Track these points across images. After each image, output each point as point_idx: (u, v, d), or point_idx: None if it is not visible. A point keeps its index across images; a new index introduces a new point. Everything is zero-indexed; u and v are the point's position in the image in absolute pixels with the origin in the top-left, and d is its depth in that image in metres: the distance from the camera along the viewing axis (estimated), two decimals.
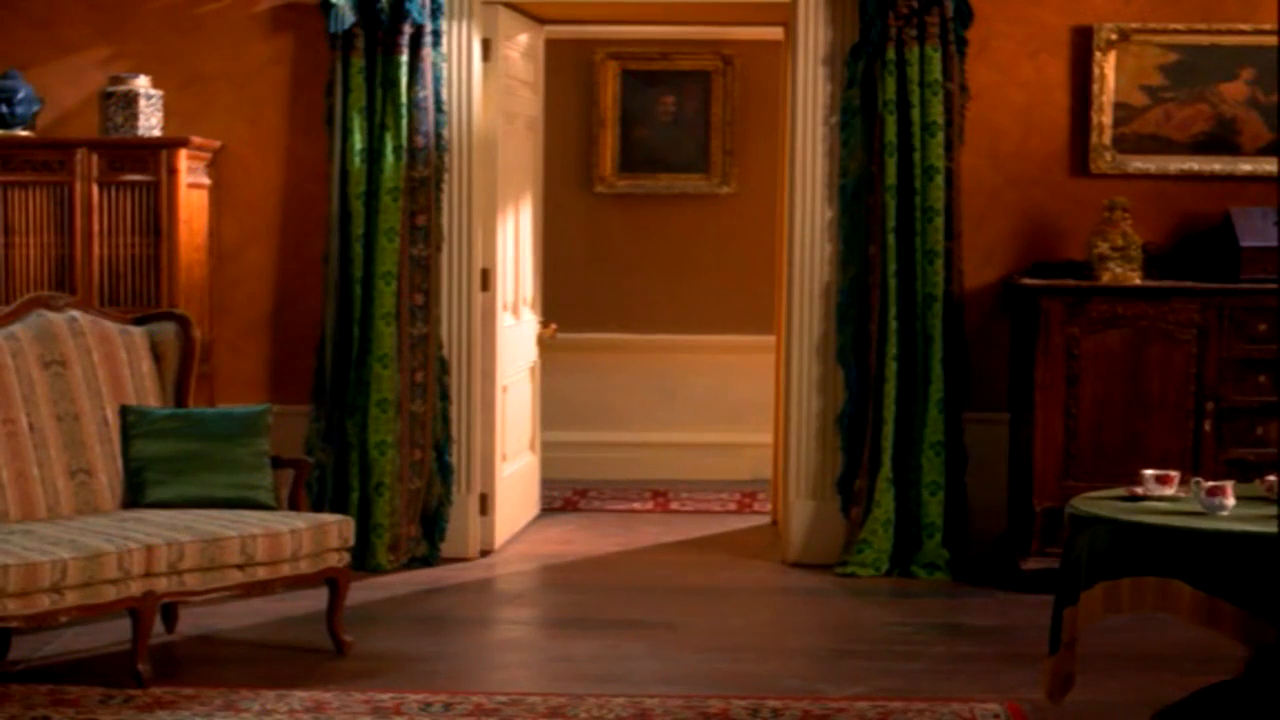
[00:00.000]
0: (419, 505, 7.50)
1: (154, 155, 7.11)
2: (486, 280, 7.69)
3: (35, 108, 7.35)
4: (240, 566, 5.75)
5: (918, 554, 7.39)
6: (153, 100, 7.25)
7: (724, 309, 9.82)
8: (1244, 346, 7.05)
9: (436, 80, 7.41)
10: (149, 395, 6.29)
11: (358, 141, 7.32)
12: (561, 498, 9.18)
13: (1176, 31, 7.47)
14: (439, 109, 7.42)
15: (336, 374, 7.42)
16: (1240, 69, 7.47)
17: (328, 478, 7.41)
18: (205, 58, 7.58)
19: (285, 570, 5.87)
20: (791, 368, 7.67)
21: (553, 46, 8.98)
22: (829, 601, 7.02)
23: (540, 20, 8.36)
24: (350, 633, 6.11)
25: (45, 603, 5.33)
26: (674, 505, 9.11)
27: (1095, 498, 5.13)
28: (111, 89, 7.22)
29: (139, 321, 6.44)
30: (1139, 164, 7.51)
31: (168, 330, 6.41)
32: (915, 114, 7.33)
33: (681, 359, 9.84)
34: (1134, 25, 7.46)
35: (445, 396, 7.52)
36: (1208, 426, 7.04)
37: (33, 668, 5.84)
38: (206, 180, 7.44)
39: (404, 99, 7.33)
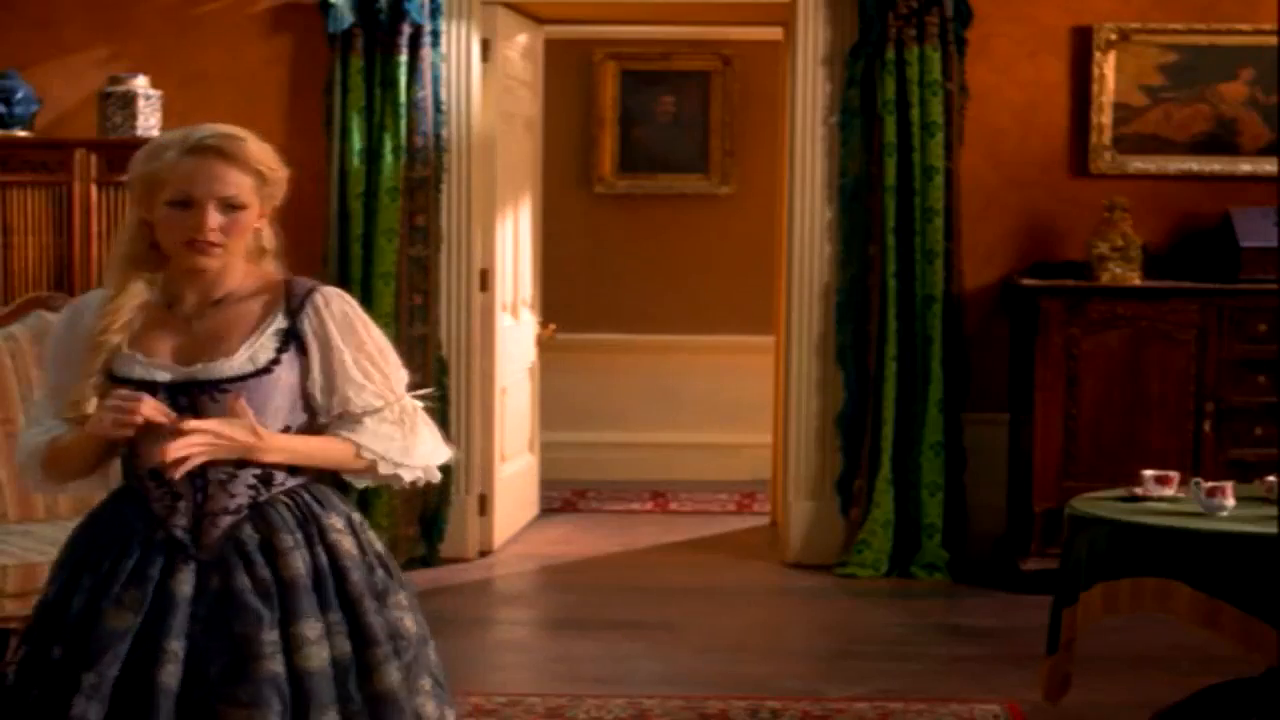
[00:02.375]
0: (418, 506, 7.49)
1: None
2: (485, 281, 7.68)
3: (34, 108, 7.34)
4: None
5: (917, 555, 7.39)
6: (151, 100, 7.24)
7: (724, 309, 9.81)
8: (1244, 347, 7.05)
9: (435, 80, 7.41)
10: None
11: (356, 142, 7.32)
12: (561, 498, 9.18)
13: (1176, 31, 7.46)
14: (438, 109, 7.42)
15: None
16: (1240, 69, 7.47)
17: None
18: (204, 58, 7.58)
19: None
20: (791, 368, 7.67)
21: (552, 47, 8.97)
22: (828, 602, 7.02)
23: (539, 20, 8.35)
24: None
25: None
26: (673, 506, 9.10)
27: (1094, 498, 5.12)
28: (110, 89, 7.22)
29: None
30: (1139, 164, 7.51)
31: None
32: (915, 114, 7.33)
33: (681, 359, 9.83)
34: (1134, 25, 7.46)
35: (444, 397, 7.51)
36: (1207, 427, 7.04)
37: None
38: None
39: (403, 99, 7.32)
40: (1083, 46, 7.50)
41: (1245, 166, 7.48)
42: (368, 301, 7.37)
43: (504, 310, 7.90)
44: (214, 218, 3.16)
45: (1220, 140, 7.50)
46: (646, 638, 6.34)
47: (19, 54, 7.51)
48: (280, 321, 3.23)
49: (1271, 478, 5.07)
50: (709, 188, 9.86)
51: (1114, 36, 7.46)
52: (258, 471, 3.23)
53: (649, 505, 9.10)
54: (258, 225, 3.31)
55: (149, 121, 7.22)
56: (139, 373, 3.19)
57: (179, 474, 3.10)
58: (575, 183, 9.83)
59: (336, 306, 3.28)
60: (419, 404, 3.36)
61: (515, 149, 8.09)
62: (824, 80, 7.52)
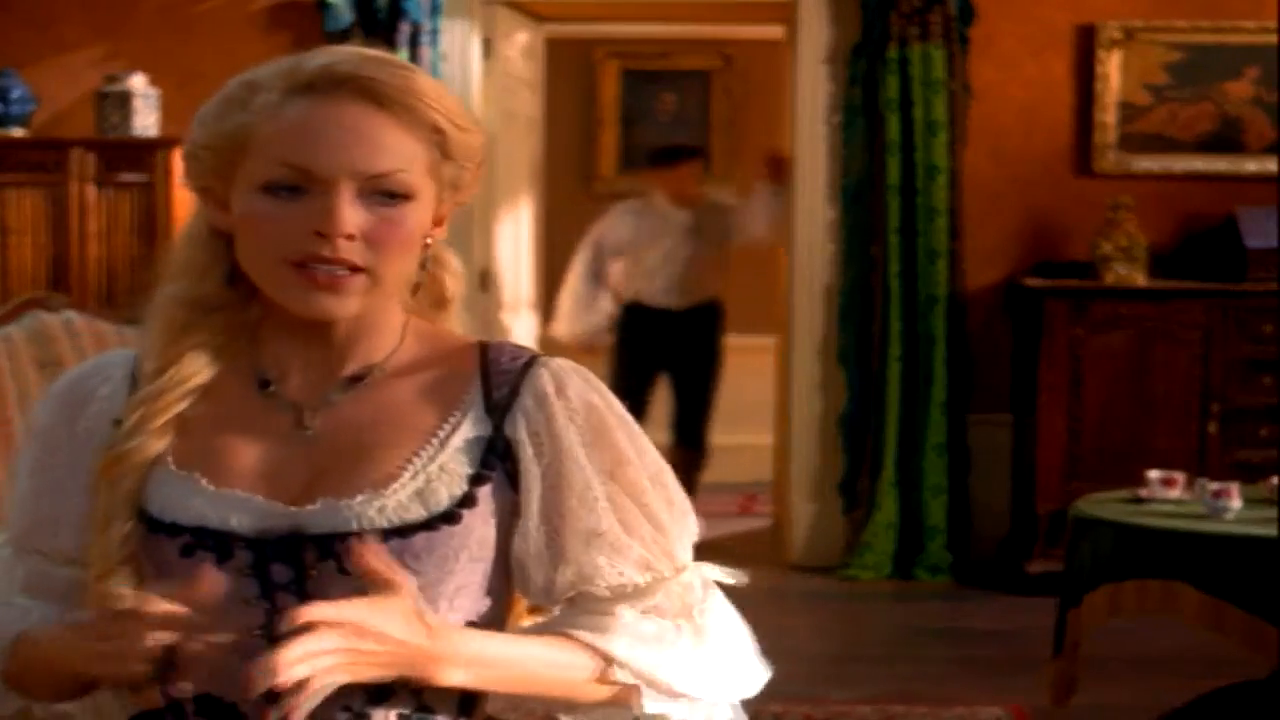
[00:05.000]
0: None
1: (150, 155, 7.07)
2: (486, 281, 7.65)
3: (30, 107, 7.31)
4: None
5: (920, 557, 7.35)
6: (149, 99, 7.21)
7: (725, 309, 9.75)
8: (1249, 347, 7.01)
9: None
10: None
11: None
12: None
13: (1181, 30, 7.43)
14: None
15: None
16: (1245, 67, 7.42)
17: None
18: (202, 56, 7.54)
19: None
20: (793, 369, 7.64)
21: (552, 46, 8.95)
22: (830, 605, 6.99)
23: (540, 19, 8.32)
24: None
25: None
26: None
27: (1099, 500, 5.09)
28: (107, 88, 7.18)
29: (135, 323, 6.38)
30: (1143, 163, 7.47)
31: None
32: (918, 113, 7.29)
33: None
34: (1138, 23, 7.42)
35: None
36: (1213, 428, 7.00)
37: None
38: None
39: None
40: (1087, 45, 7.46)
41: (1251, 165, 7.44)
42: None
43: (504, 310, 7.87)
44: (351, 212, 1.74)
45: (1226, 139, 7.46)
46: None
47: (15, 53, 7.48)
48: (475, 423, 1.81)
49: (1277, 479, 5.03)
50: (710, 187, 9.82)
51: (1118, 35, 7.42)
52: (407, 711, 1.78)
53: None
54: (432, 237, 1.85)
55: (146, 121, 7.19)
56: (199, 514, 1.77)
57: (298, 715, 1.64)
58: (576, 182, 9.80)
59: (577, 394, 1.83)
60: (714, 579, 2.00)
61: (516, 148, 8.06)
62: (826, 79, 7.48)
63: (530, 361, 1.84)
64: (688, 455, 8.30)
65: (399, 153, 1.74)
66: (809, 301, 7.55)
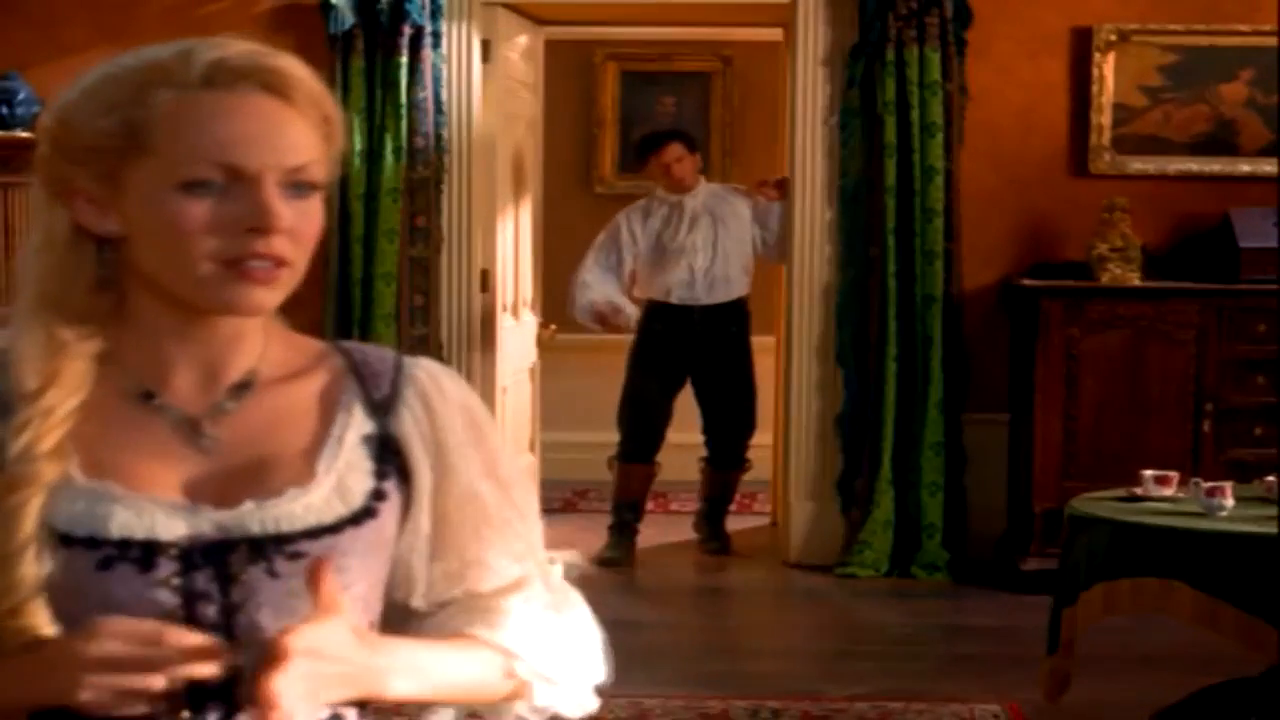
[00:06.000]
0: None
1: None
2: (486, 281, 7.69)
3: (35, 109, 7.34)
4: None
5: (917, 555, 7.39)
6: None
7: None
8: (1243, 347, 7.05)
9: (436, 81, 7.41)
10: None
11: (357, 142, 7.32)
12: (561, 499, 9.16)
13: (1176, 32, 7.46)
14: (438, 110, 7.42)
15: None
16: (1240, 70, 7.46)
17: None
18: None
19: None
20: (791, 369, 7.67)
21: (552, 48, 8.97)
22: (828, 602, 7.02)
23: (540, 21, 8.35)
24: None
25: None
26: (674, 506, 9.10)
27: (1094, 498, 5.13)
28: None
29: None
30: (1138, 165, 7.51)
31: None
32: (915, 115, 7.33)
33: None
34: (1133, 26, 7.46)
35: None
36: (1207, 427, 7.04)
37: None
38: None
39: (403, 100, 7.33)
40: (1082, 47, 7.50)
41: (1245, 167, 7.48)
42: (369, 302, 7.38)
43: (504, 311, 7.90)
44: (281, 206, 1.69)
45: (1220, 141, 7.50)
46: (647, 638, 6.33)
47: (20, 55, 7.51)
48: (362, 421, 1.80)
49: (1271, 478, 5.07)
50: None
51: (1113, 37, 7.46)
52: (324, 716, 1.71)
53: (649, 505, 9.08)
54: None
55: None
56: (123, 524, 1.68)
57: None
58: (576, 183, 9.83)
59: (452, 392, 1.85)
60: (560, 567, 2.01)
61: (516, 150, 8.09)
62: (824, 81, 7.52)
63: (401, 360, 1.85)
64: (717, 478, 7.98)
65: (309, 144, 1.72)
66: (807, 301, 7.59)
